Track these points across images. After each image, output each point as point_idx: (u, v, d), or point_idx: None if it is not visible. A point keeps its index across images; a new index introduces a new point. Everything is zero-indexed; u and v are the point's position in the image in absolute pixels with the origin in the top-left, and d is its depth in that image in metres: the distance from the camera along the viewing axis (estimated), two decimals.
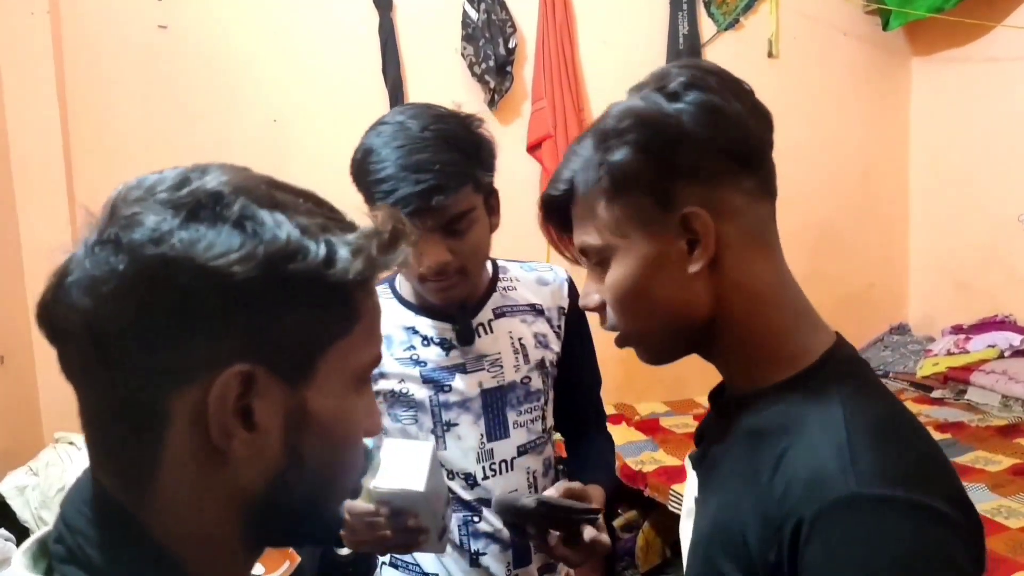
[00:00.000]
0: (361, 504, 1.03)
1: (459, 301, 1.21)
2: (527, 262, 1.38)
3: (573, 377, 1.36)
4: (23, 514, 2.05)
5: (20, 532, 2.01)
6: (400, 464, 1.02)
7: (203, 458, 0.52)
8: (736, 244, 0.73)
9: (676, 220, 0.71)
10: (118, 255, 0.50)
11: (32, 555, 0.55)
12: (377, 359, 0.59)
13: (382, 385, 1.25)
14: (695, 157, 0.71)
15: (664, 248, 0.73)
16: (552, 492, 1.11)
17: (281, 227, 0.51)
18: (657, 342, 0.80)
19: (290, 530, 0.59)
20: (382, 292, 1.30)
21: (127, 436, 0.52)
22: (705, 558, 0.75)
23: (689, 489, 0.88)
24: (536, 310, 1.32)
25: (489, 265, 1.31)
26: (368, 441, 0.94)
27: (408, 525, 1.04)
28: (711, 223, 0.71)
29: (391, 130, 1.12)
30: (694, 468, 0.87)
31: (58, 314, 0.52)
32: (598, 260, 0.78)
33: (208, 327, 0.50)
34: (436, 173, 1.07)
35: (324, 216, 0.54)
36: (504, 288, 1.31)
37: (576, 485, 1.13)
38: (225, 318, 0.50)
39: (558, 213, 0.82)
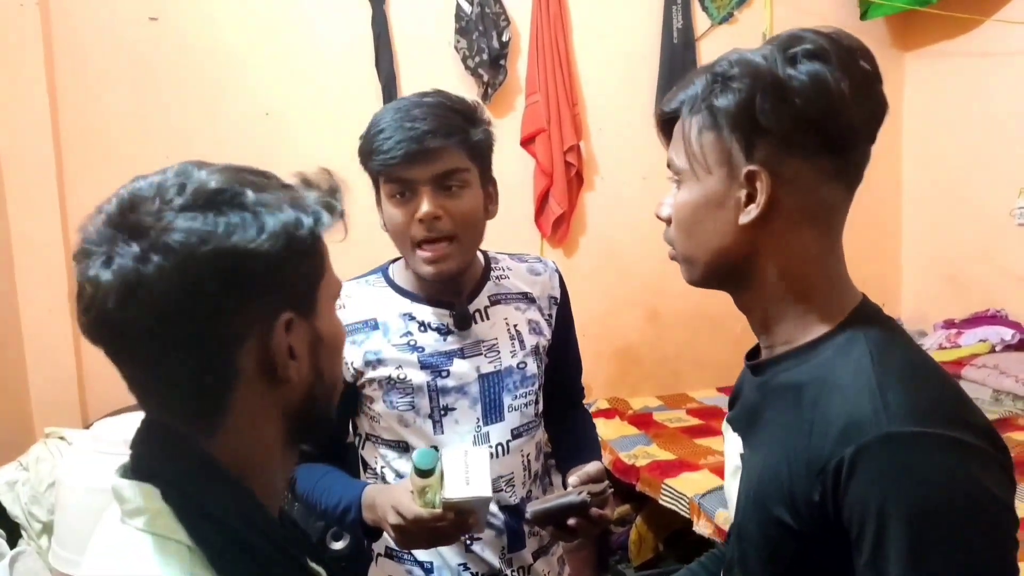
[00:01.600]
0: (426, 512, 1.09)
1: (449, 275, 1.23)
2: (517, 254, 1.42)
3: (561, 363, 1.41)
4: (13, 509, 2.04)
5: (10, 527, 2.00)
6: (463, 471, 1.10)
7: (265, 391, 0.67)
8: (791, 214, 0.79)
9: (745, 172, 0.78)
10: (173, 261, 0.61)
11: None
12: (340, 282, 0.75)
13: (380, 372, 1.26)
14: (786, 123, 0.76)
15: (727, 192, 0.80)
16: (574, 480, 1.18)
17: (282, 206, 0.65)
18: (696, 268, 0.86)
19: (314, 429, 0.75)
20: (375, 281, 1.33)
21: (202, 395, 0.65)
22: (758, 504, 0.81)
23: (731, 449, 0.94)
24: (528, 298, 1.35)
25: (481, 256, 1.34)
26: (430, 453, 1.10)
27: (468, 523, 1.12)
28: (769, 186, 0.77)
29: (394, 104, 1.22)
30: (734, 430, 0.93)
31: (122, 322, 0.62)
32: (677, 178, 0.85)
33: (257, 293, 0.64)
34: (428, 121, 1.16)
35: (286, 188, 0.69)
36: (497, 277, 1.34)
37: (592, 469, 1.19)
38: (266, 283, 0.65)
39: (666, 125, 0.87)
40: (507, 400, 1.29)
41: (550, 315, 1.37)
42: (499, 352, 1.28)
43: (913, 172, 4.03)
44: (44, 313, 2.67)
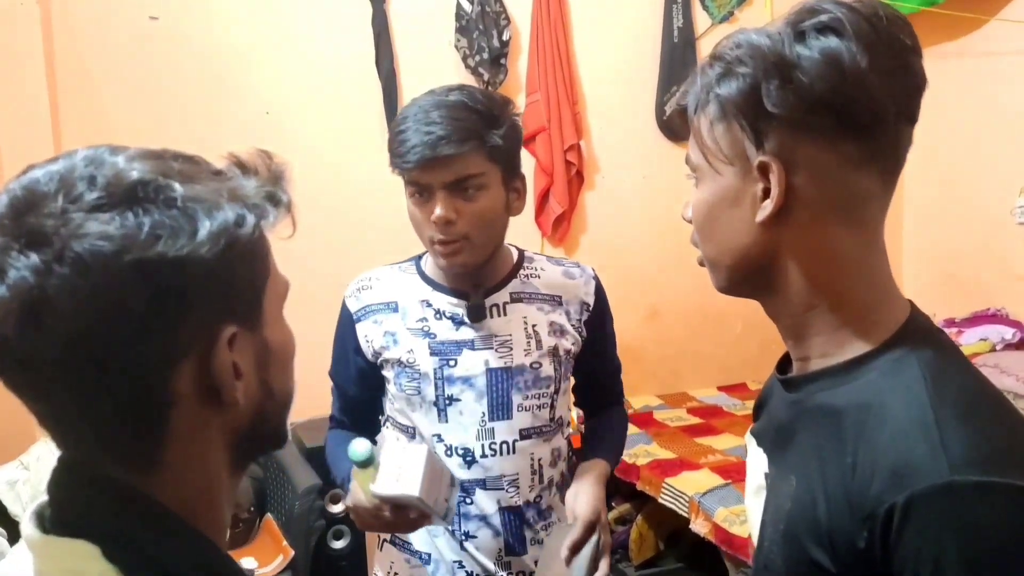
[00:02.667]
0: (365, 501, 1.12)
1: (465, 269, 1.24)
2: (557, 258, 1.43)
3: (597, 368, 1.42)
4: (14, 508, 2.04)
5: (11, 526, 2.01)
6: (397, 468, 1.09)
7: (208, 418, 0.58)
8: (815, 206, 0.70)
9: (757, 164, 0.70)
10: (83, 274, 0.49)
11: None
12: (287, 282, 0.64)
13: (392, 352, 1.30)
14: (796, 107, 0.67)
15: (743, 187, 0.72)
16: (567, 542, 1.17)
17: (219, 202, 0.55)
18: (720, 273, 0.79)
19: (262, 447, 0.66)
20: (407, 268, 1.37)
21: (131, 431, 0.55)
22: (788, 538, 0.73)
23: (754, 465, 0.86)
24: (555, 301, 1.34)
25: (515, 252, 1.36)
26: (367, 446, 1.08)
27: (411, 516, 1.12)
28: (783, 176, 0.69)
29: (419, 100, 1.21)
30: (759, 445, 0.85)
31: (22, 351, 0.51)
32: (695, 176, 0.78)
33: (191, 309, 0.54)
34: (444, 125, 1.15)
35: (218, 175, 0.58)
36: (526, 275, 1.34)
37: (579, 525, 1.19)
38: (202, 296, 0.54)
39: (686, 123, 0.80)
40: (516, 399, 1.28)
41: (579, 320, 1.35)
42: (512, 349, 1.28)
43: (914, 171, 4.01)
44: None
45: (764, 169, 0.70)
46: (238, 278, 0.57)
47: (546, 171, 3.18)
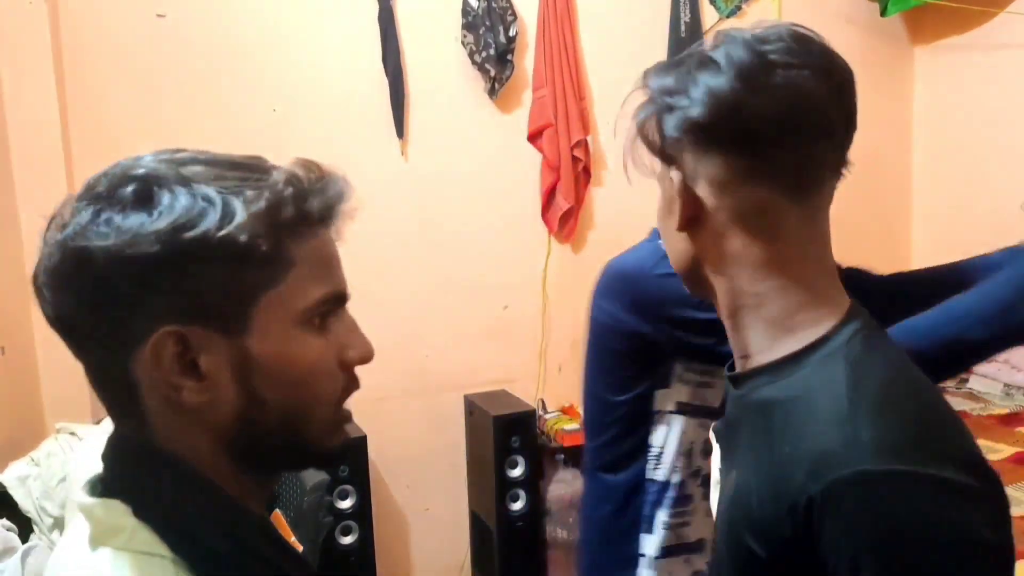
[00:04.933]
0: None
1: None
2: None
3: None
4: (25, 504, 2.05)
5: (22, 522, 2.01)
6: None
7: (176, 407, 0.60)
8: (720, 215, 0.76)
9: (668, 176, 0.78)
10: (58, 260, 0.58)
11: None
12: (327, 298, 0.63)
13: None
14: (688, 129, 0.75)
15: (671, 198, 0.79)
16: None
17: (177, 202, 0.57)
18: (679, 275, 0.86)
19: (273, 457, 0.66)
20: None
21: (114, 397, 0.62)
22: (730, 527, 0.77)
23: (715, 460, 0.91)
24: None
25: None
26: None
27: None
28: (682, 187, 0.76)
29: None
30: (716, 440, 0.89)
31: (40, 306, 0.61)
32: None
33: (133, 300, 0.57)
34: None
35: (237, 179, 0.60)
36: None
37: None
38: (144, 289, 0.57)
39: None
40: None
41: None
42: None
43: (923, 166, 4.00)
44: None
45: (672, 180, 0.78)
46: (194, 280, 0.57)
47: (553, 167, 3.17)
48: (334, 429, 0.67)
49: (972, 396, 3.25)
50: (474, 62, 3.08)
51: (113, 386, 0.61)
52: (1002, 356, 3.27)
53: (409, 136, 3.07)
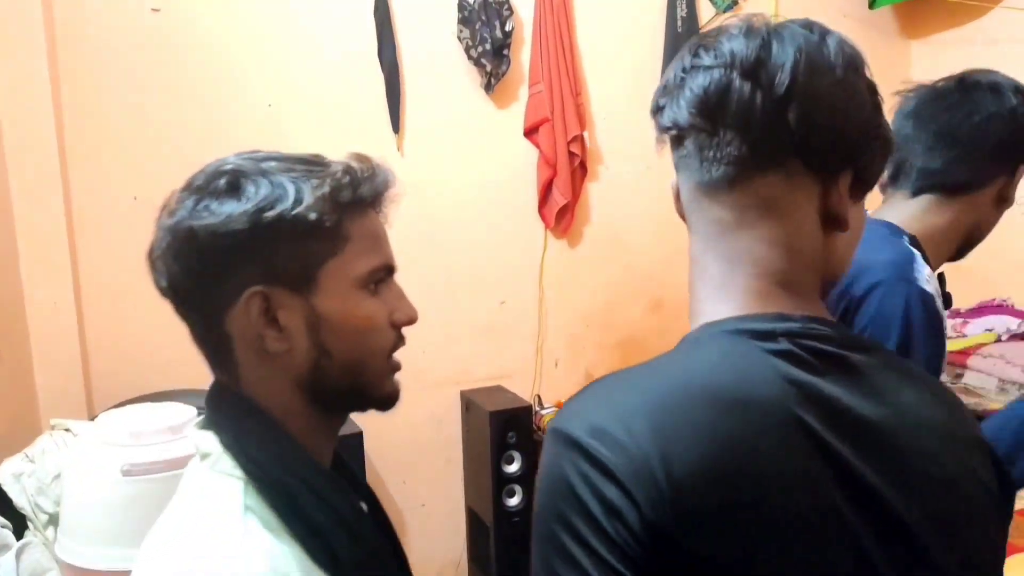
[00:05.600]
0: None
1: None
2: None
3: None
4: (19, 501, 2.04)
5: (16, 519, 2.01)
6: None
7: (262, 356, 0.76)
8: (685, 213, 0.80)
9: None
10: (170, 238, 0.74)
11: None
12: (379, 267, 0.79)
13: None
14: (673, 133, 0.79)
15: None
16: None
17: (259, 190, 0.73)
18: None
19: (339, 399, 0.81)
20: None
21: (214, 352, 0.78)
22: None
23: None
24: None
25: None
26: None
27: None
28: (675, 186, 0.81)
29: None
30: None
31: (155, 278, 0.77)
32: None
33: (228, 268, 0.73)
34: None
35: (304, 171, 0.75)
36: None
37: None
38: (236, 259, 0.73)
39: None
40: None
41: None
42: None
43: None
44: (49, 305, 2.67)
45: None
46: (275, 250, 0.74)
47: (549, 162, 3.17)
48: (387, 376, 0.82)
49: (968, 391, 3.26)
50: (470, 57, 3.07)
51: (212, 342, 0.77)
52: (997, 351, 3.27)
53: (405, 131, 3.06)
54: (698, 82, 0.73)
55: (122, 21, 2.74)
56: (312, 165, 0.76)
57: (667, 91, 0.78)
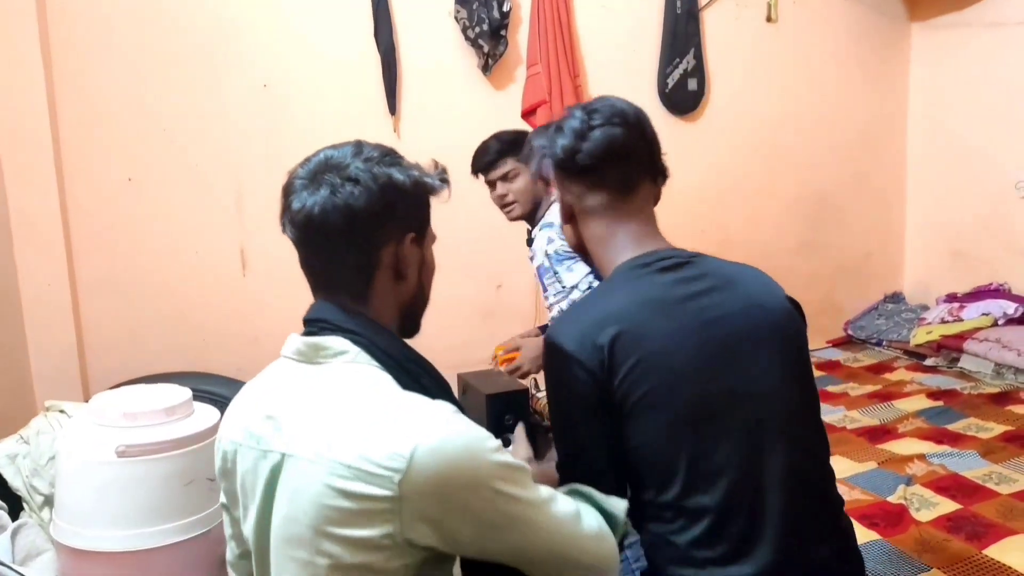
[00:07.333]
0: None
1: (519, 220, 2.20)
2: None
3: None
4: (15, 482, 2.04)
5: (12, 500, 2.01)
6: None
7: (392, 282, 1.02)
8: (578, 212, 1.22)
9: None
10: (356, 188, 0.95)
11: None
12: (434, 235, 1.09)
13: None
14: (570, 164, 1.19)
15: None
16: None
17: (417, 167, 1.02)
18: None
19: (409, 324, 1.08)
20: None
21: (356, 275, 1.00)
22: None
23: None
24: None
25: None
26: None
27: None
28: (561, 194, 1.23)
29: None
30: None
31: (322, 224, 0.95)
32: None
33: (402, 212, 0.99)
34: (486, 154, 2.15)
35: (416, 164, 1.03)
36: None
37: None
38: (407, 209, 1.00)
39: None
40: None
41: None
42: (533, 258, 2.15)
43: (918, 145, 3.99)
44: (44, 287, 2.66)
45: None
46: (421, 208, 1.03)
47: None
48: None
49: (963, 375, 3.26)
50: (467, 38, 3.05)
51: (358, 270, 0.99)
52: (993, 335, 3.27)
53: (401, 112, 3.04)
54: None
55: (117, 3, 2.70)
56: (415, 164, 1.05)
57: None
